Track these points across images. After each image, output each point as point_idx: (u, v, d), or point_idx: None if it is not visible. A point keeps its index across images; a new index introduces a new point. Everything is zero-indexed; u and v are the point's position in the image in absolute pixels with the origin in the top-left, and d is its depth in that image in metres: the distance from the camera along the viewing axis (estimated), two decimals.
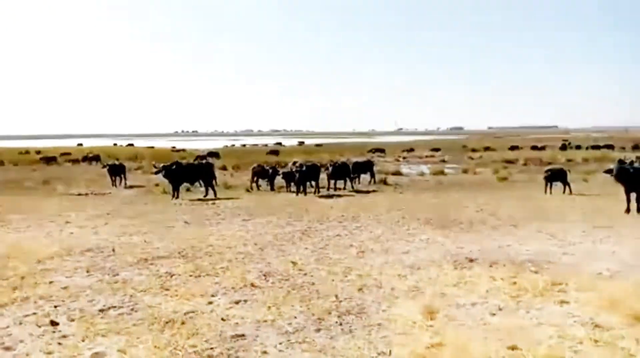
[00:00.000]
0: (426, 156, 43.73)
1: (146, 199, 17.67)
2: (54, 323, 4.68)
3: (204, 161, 19.75)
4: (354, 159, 25.01)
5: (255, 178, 21.44)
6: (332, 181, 20.13)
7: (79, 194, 20.54)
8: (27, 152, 49.25)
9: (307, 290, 5.77)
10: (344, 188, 20.45)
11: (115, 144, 79.85)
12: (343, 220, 11.16)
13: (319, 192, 18.71)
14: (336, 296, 5.43)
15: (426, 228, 10.04)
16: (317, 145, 75.10)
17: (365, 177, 22.89)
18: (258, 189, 21.14)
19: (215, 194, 17.85)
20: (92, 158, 43.49)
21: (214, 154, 45.82)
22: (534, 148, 49.04)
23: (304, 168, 18.19)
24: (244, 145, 77.58)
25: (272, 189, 20.70)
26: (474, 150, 50.83)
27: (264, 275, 6.41)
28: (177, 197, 17.42)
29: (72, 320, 4.80)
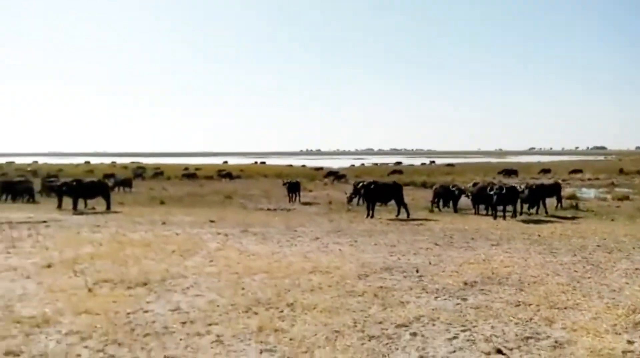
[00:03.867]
0: (588, 179, 40.02)
1: (342, 216, 18.03)
2: (500, 352, 4.51)
3: (392, 182, 19.72)
4: (540, 182, 23.37)
5: (436, 199, 20.98)
6: (526, 206, 18.96)
7: (269, 210, 21.72)
8: (186, 169, 54.29)
9: None
10: (537, 213, 19.13)
11: (255, 163, 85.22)
12: (611, 251, 10.11)
13: (515, 216, 17.67)
14: None
15: None
16: (449, 165, 72.90)
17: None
18: (439, 210, 20.64)
19: (408, 214, 17.68)
20: (224, 174, 47.51)
21: (335, 173, 46.39)
22: None
23: (504, 191, 17.29)
24: (376, 164, 78.05)
25: (456, 211, 20.05)
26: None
27: None
28: (372, 216, 17.53)
29: (512, 349, 4.60)
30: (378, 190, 17.82)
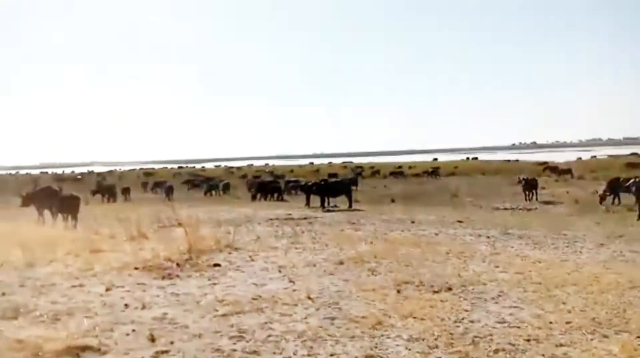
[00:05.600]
0: None
1: (605, 218, 15.57)
2: None
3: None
4: None
5: None
6: None
7: (505, 209, 20.27)
8: (399, 167, 55.34)
9: None
10: None
11: (467, 158, 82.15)
12: None
13: None
14: None
15: None
16: None
17: None
18: None
19: None
20: (431, 172, 47.71)
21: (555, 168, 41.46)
22: None
23: None
24: (612, 156, 67.11)
25: None
26: None
27: None
28: None
29: None
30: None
